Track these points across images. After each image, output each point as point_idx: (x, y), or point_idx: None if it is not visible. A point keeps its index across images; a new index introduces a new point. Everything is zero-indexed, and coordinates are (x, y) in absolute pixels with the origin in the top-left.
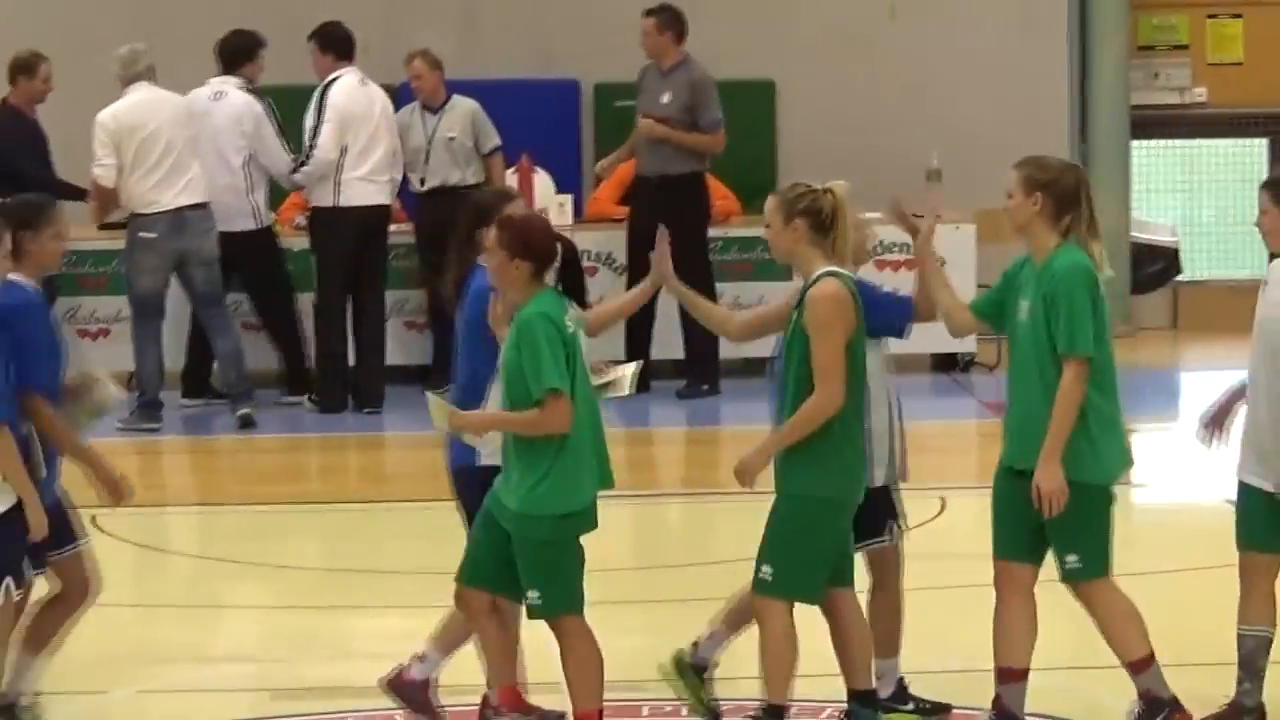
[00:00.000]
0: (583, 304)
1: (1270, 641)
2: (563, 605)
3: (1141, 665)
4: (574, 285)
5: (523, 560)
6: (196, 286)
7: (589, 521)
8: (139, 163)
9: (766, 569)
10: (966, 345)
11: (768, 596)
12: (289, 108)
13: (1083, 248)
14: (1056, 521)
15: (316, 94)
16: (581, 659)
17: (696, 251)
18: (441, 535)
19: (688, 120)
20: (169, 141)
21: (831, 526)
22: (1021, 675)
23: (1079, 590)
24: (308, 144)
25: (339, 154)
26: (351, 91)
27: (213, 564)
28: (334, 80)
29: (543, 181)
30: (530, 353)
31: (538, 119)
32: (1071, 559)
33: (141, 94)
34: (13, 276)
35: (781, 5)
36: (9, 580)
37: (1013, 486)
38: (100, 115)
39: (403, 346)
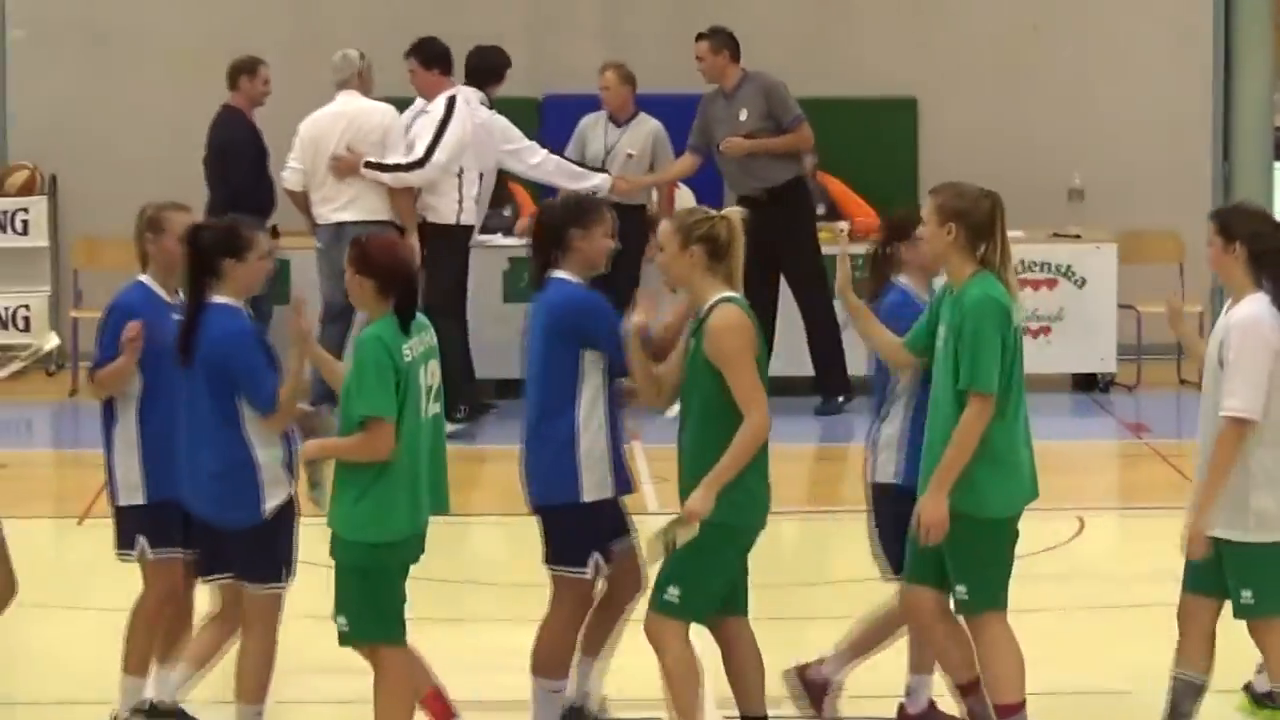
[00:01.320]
0: (406, 334)
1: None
2: (373, 634)
3: (1007, 711)
4: (405, 317)
5: (337, 584)
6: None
7: (411, 551)
8: (314, 172)
9: (673, 590)
10: (1107, 365)
11: (668, 617)
12: None
13: (998, 277)
14: (949, 551)
15: (442, 108)
16: (390, 690)
17: (813, 256)
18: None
19: (771, 128)
20: (328, 157)
21: (734, 552)
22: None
23: (968, 622)
24: (429, 144)
25: (458, 173)
26: (472, 111)
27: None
28: (455, 96)
29: (684, 197)
30: (357, 375)
31: (681, 133)
32: (960, 590)
33: (338, 105)
34: (559, 274)
35: (924, 22)
36: (283, 569)
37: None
38: (303, 122)
39: None
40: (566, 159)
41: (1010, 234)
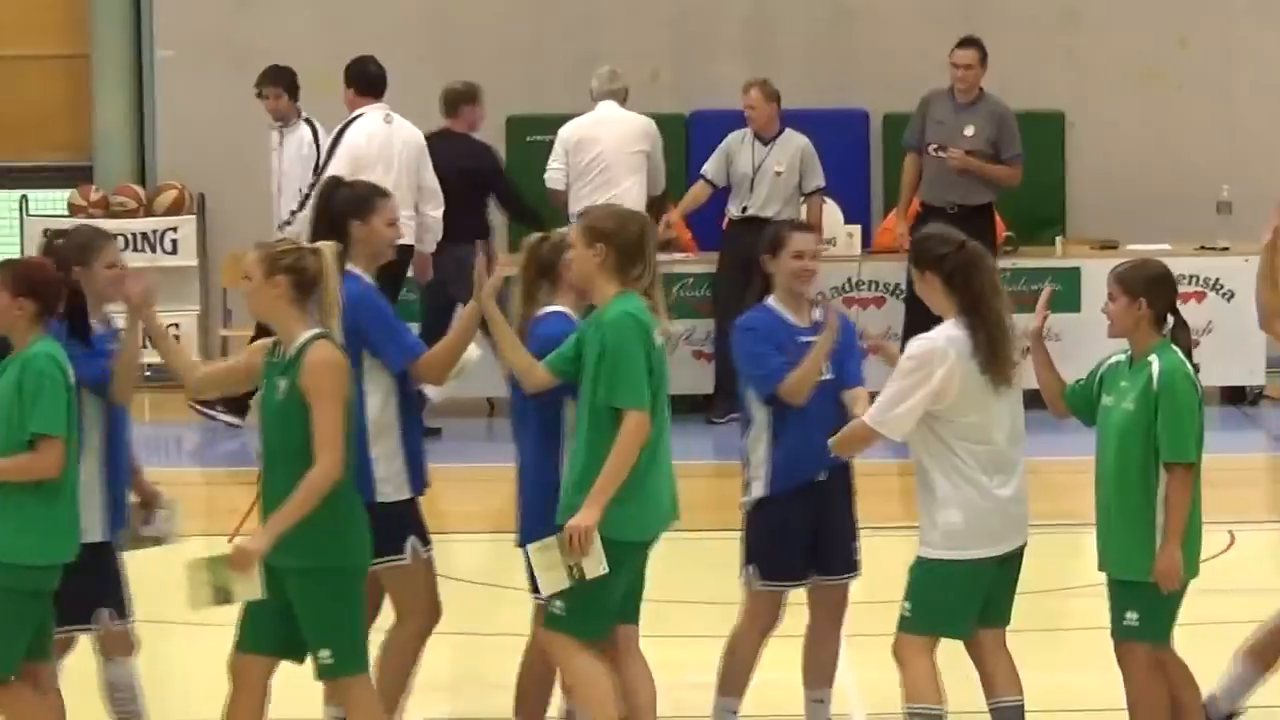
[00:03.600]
0: (88, 345)
1: None
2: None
3: None
4: (81, 329)
5: None
6: None
7: (50, 580)
8: (578, 175)
9: (325, 653)
10: (1255, 378)
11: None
12: None
13: (646, 298)
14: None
15: (334, 133)
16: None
17: None
18: (728, 566)
19: (990, 154)
20: (604, 159)
21: (355, 592)
22: None
23: (545, 635)
24: (311, 185)
25: None
26: (372, 130)
27: (500, 592)
28: (353, 120)
29: (832, 211)
30: (32, 393)
31: (827, 149)
32: (557, 606)
33: (600, 112)
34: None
35: (1071, 36)
36: (751, 566)
37: None
38: (563, 126)
39: (689, 375)
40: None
41: (1158, 247)
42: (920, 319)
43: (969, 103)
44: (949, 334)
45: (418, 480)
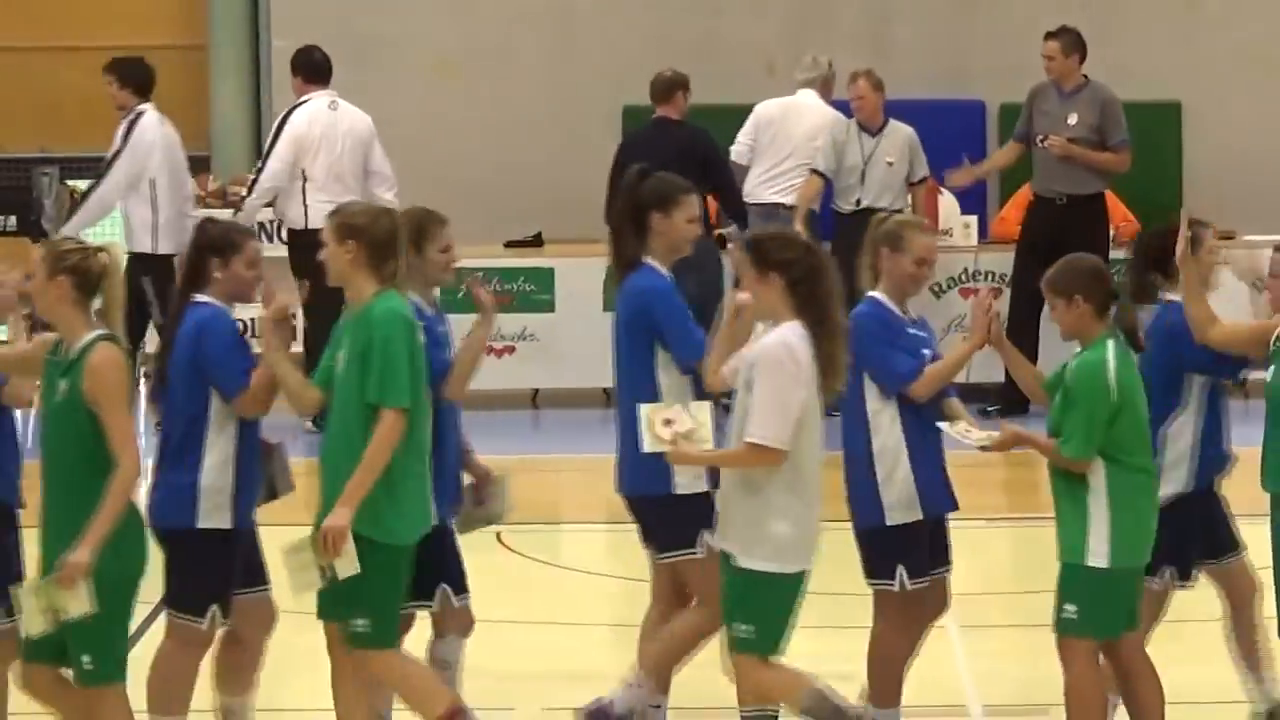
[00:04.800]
0: None
1: None
2: None
3: None
4: None
5: None
6: None
7: None
8: (759, 154)
9: (86, 661)
10: None
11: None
12: (714, 128)
13: (403, 295)
14: (348, 580)
15: (279, 118)
16: None
17: None
18: (837, 559)
19: (1096, 140)
20: (789, 146)
21: (126, 601)
22: None
23: (356, 656)
24: (257, 170)
25: (299, 179)
26: (314, 115)
27: (616, 581)
28: (297, 106)
29: (947, 202)
30: None
31: (944, 139)
32: (359, 623)
33: (795, 98)
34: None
35: (1189, 27)
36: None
37: None
38: (761, 103)
39: None
40: None
41: (1275, 238)
42: (1026, 307)
43: (1072, 91)
44: (798, 333)
45: (713, 471)
